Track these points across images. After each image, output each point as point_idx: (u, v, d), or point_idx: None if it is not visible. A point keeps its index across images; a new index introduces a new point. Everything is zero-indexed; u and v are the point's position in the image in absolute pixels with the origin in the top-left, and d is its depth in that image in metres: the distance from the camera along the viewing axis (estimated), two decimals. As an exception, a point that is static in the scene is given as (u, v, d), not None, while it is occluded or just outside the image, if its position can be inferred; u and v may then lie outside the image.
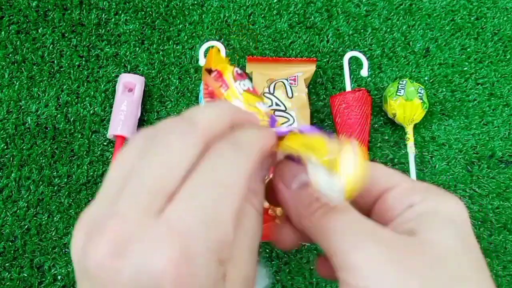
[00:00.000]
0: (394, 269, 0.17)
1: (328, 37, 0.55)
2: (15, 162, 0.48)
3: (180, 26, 0.55)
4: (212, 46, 0.53)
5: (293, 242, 0.22)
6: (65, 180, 0.48)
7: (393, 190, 0.20)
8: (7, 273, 0.45)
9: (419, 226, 0.19)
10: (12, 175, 0.48)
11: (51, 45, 0.53)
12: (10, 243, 0.46)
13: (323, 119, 0.52)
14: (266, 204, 0.50)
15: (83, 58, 0.53)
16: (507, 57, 0.56)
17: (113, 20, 0.54)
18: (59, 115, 0.50)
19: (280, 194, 0.22)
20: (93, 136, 0.50)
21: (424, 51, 0.56)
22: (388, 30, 0.56)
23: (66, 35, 0.53)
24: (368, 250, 0.18)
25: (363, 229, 0.19)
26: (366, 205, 0.21)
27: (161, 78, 0.52)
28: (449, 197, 0.20)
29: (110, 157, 0.49)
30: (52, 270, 0.45)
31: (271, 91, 0.49)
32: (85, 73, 0.52)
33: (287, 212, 0.22)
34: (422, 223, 0.19)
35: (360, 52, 0.54)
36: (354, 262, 0.17)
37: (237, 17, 0.55)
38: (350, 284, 0.17)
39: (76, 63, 0.52)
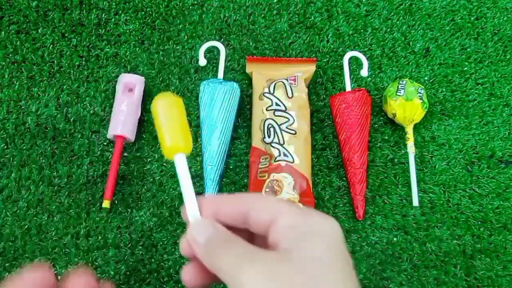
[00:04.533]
0: (273, 283, 0.21)
1: (328, 37, 0.55)
2: (15, 162, 0.48)
3: (180, 26, 0.55)
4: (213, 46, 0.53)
5: (199, 283, 0.26)
6: (65, 180, 0.48)
7: (279, 217, 0.24)
8: (7, 273, 0.45)
9: (296, 244, 0.23)
10: (12, 175, 0.48)
11: (51, 45, 0.53)
12: (10, 243, 0.46)
13: (323, 119, 0.52)
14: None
15: (83, 58, 0.53)
16: (507, 57, 0.56)
17: (113, 20, 0.54)
18: (59, 115, 0.50)
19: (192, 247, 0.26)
20: (93, 136, 0.50)
21: (424, 51, 0.56)
22: (388, 30, 0.56)
23: (66, 35, 0.53)
24: (252, 270, 0.22)
25: (247, 254, 0.23)
26: (262, 233, 0.25)
27: (161, 78, 0.52)
28: (325, 218, 0.24)
29: (110, 157, 0.49)
30: (52, 270, 0.45)
31: (271, 91, 0.49)
32: (85, 73, 0.52)
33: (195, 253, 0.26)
34: (299, 241, 0.23)
35: (360, 52, 0.54)
36: (242, 282, 0.22)
37: (237, 17, 0.55)
38: None
39: (76, 63, 0.52)
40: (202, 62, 0.53)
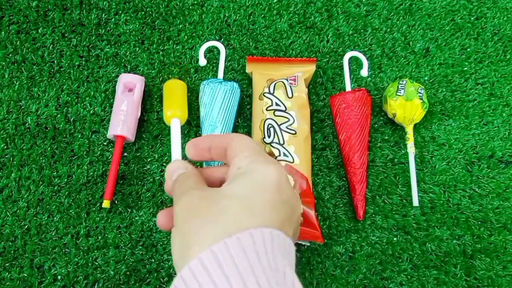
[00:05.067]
0: (184, 213, 0.27)
1: (328, 37, 0.55)
2: (15, 162, 0.48)
3: (180, 26, 0.55)
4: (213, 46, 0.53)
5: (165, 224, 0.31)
6: (65, 180, 0.48)
7: (236, 158, 0.29)
8: (7, 273, 0.45)
9: (227, 183, 0.28)
10: (12, 175, 0.48)
11: (51, 45, 0.53)
12: (10, 243, 0.46)
13: (323, 119, 0.52)
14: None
15: (83, 58, 0.53)
16: (507, 57, 0.56)
17: (113, 20, 0.54)
18: (59, 115, 0.50)
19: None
20: (93, 136, 0.50)
21: (424, 51, 0.56)
22: (388, 30, 0.56)
23: (66, 35, 0.53)
24: (179, 203, 0.28)
25: (184, 189, 0.29)
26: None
27: (161, 78, 0.52)
28: (270, 162, 0.28)
29: (110, 157, 0.49)
30: (52, 270, 0.45)
31: (271, 91, 0.49)
32: (85, 73, 0.52)
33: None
34: (230, 181, 0.28)
35: (360, 52, 0.54)
36: (175, 212, 0.28)
37: (237, 17, 0.55)
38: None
39: (76, 63, 0.52)
40: (202, 62, 0.53)
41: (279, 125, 0.48)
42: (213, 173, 0.32)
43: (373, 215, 0.49)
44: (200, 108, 0.49)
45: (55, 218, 0.47)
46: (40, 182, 0.48)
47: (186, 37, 0.54)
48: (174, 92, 0.48)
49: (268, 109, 0.49)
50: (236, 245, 0.23)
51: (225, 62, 0.52)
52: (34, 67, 0.52)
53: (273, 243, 0.24)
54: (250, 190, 0.26)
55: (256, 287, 0.22)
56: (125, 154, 0.50)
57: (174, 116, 0.45)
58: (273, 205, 0.26)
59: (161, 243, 0.47)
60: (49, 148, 0.49)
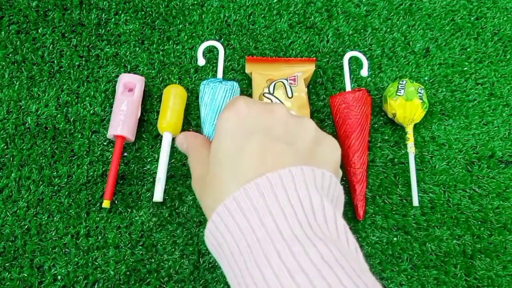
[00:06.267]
0: (194, 164, 0.37)
1: (328, 37, 0.55)
2: (15, 162, 0.48)
3: (180, 26, 0.55)
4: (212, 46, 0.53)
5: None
6: (65, 180, 0.48)
7: None
8: (7, 273, 0.45)
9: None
10: (12, 175, 0.48)
11: (51, 45, 0.53)
12: (10, 243, 0.46)
13: (323, 119, 0.52)
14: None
15: (83, 58, 0.53)
16: (507, 57, 0.56)
17: (113, 20, 0.54)
18: (59, 115, 0.50)
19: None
20: (93, 136, 0.50)
21: (424, 51, 0.56)
22: (388, 30, 0.56)
23: (66, 35, 0.53)
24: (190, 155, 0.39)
25: (192, 145, 0.40)
26: None
27: (161, 78, 0.52)
28: (224, 110, 0.34)
29: (110, 157, 0.49)
30: (52, 270, 0.45)
31: (271, 91, 0.49)
32: (85, 73, 0.52)
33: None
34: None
35: (360, 52, 0.54)
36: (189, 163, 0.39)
37: (237, 17, 0.55)
38: None
39: (76, 63, 0.52)
40: (201, 62, 0.53)
41: (279, 125, 0.48)
42: None
43: (373, 215, 0.49)
44: (200, 108, 0.49)
45: (55, 218, 0.47)
46: (40, 182, 0.48)
47: (186, 37, 0.54)
48: (173, 102, 0.49)
49: (268, 109, 0.49)
50: (275, 180, 0.27)
51: (225, 62, 0.52)
52: (34, 67, 0.52)
53: (306, 177, 0.28)
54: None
55: (292, 212, 0.26)
56: (125, 154, 0.50)
57: (167, 130, 0.48)
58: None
59: (161, 243, 0.47)
60: (49, 148, 0.49)
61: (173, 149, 0.50)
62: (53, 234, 0.46)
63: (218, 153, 0.32)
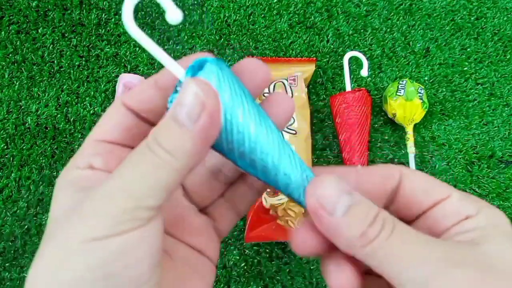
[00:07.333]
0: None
1: (328, 37, 0.55)
2: (15, 162, 0.48)
3: (180, 26, 0.55)
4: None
5: (313, 249, 0.19)
6: (65, 180, 0.48)
7: (445, 201, 0.20)
8: (7, 273, 0.45)
9: (481, 238, 0.18)
10: (12, 175, 0.48)
11: (51, 45, 0.53)
12: (10, 243, 0.46)
13: (323, 119, 0.52)
14: (267, 205, 0.50)
15: (83, 58, 0.53)
16: (507, 57, 0.56)
17: (113, 20, 0.54)
18: (59, 115, 0.50)
19: (319, 222, 0.18)
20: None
21: (424, 51, 0.56)
22: (388, 30, 0.56)
23: (66, 35, 0.53)
24: (450, 276, 0.16)
25: (435, 253, 0.17)
26: (410, 217, 0.20)
27: (161, 78, 0.52)
28: (497, 209, 0.20)
29: (110, 157, 0.49)
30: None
31: (271, 91, 0.50)
32: (85, 73, 0.52)
33: (332, 240, 0.19)
34: (484, 235, 0.18)
35: (360, 52, 0.54)
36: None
37: (237, 17, 0.55)
38: None
39: (76, 63, 0.52)
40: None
41: (279, 125, 0.48)
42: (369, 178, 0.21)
43: (373, 215, 0.49)
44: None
45: (55, 218, 0.47)
46: (40, 182, 0.48)
47: (186, 37, 0.54)
48: None
49: (268, 109, 0.49)
50: None
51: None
52: (34, 67, 0.52)
53: None
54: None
55: None
56: (125, 154, 0.50)
57: None
58: None
59: (161, 243, 0.47)
60: (49, 148, 0.49)
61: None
62: (53, 234, 0.46)
63: None
